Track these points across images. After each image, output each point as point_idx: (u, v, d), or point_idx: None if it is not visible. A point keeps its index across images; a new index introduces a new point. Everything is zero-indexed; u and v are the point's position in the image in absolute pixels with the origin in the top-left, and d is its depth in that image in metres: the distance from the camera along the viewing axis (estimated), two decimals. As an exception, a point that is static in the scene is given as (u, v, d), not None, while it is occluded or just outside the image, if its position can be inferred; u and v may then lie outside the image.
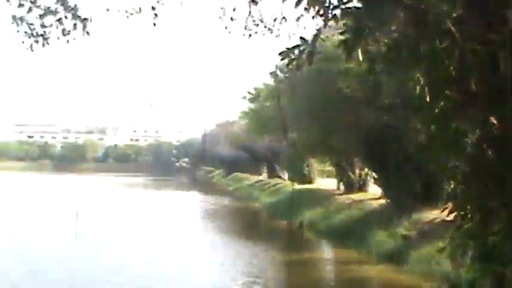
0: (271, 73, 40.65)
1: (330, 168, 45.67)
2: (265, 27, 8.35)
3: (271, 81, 44.95)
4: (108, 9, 6.83)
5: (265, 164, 68.73)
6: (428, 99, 5.15)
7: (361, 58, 5.51)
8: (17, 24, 6.70)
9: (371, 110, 25.74)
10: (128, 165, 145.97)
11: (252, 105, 55.61)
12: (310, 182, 48.59)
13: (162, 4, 7.31)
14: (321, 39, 6.19)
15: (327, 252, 28.48)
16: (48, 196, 56.96)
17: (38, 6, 6.72)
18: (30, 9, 6.72)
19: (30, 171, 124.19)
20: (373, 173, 33.71)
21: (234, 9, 7.87)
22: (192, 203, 54.96)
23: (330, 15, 8.26)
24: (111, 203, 50.45)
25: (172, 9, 7.27)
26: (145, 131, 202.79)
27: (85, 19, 6.72)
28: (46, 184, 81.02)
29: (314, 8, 8.44)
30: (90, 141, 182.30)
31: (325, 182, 47.86)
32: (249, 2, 8.09)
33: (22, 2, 6.66)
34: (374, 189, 34.39)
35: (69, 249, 25.52)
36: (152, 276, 20.50)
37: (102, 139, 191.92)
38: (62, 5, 6.74)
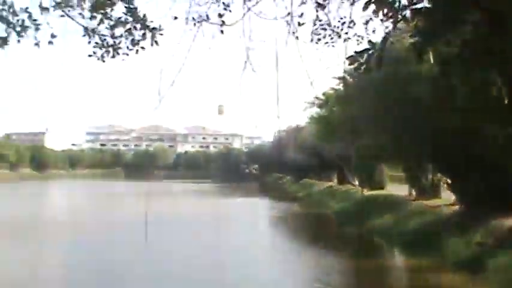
0: (339, 78, 40.23)
1: (401, 173, 44.63)
2: (333, 31, 8.23)
3: (339, 86, 44.50)
4: (176, 18, 6.87)
5: (334, 169, 68.03)
6: (506, 101, 4.91)
7: (432, 60, 5.33)
8: (89, 36, 6.86)
9: (444, 113, 25.00)
10: (197, 172, 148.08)
11: (321, 111, 55.19)
12: (381, 188, 47.73)
13: (230, 11, 7.31)
14: (391, 42, 6.02)
15: (399, 259, 27.85)
16: (119, 202, 58.51)
17: (108, 18, 6.85)
18: (101, 21, 6.86)
19: (102, 178, 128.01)
20: (447, 178, 32.75)
21: (301, 14, 7.79)
22: (261, 209, 55.13)
23: (400, 17, 8.07)
24: (180, 208, 51.21)
25: (238, 16, 7.24)
26: (215, 138, 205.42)
27: (154, 28, 6.81)
28: (117, 191, 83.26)
29: (383, 10, 8.27)
30: (161, 148, 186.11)
31: (396, 188, 46.90)
32: (316, 7, 8.00)
33: (94, 15, 6.80)
34: (447, 195, 33.37)
35: (138, 253, 25.92)
36: (223, 282, 20.58)
37: (172, 146, 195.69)
38: (131, 15, 6.85)
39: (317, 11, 8.09)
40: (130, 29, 6.86)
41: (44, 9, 6.61)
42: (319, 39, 8.27)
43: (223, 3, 7.25)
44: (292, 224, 43.23)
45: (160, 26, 6.82)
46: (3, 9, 6.46)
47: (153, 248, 27.30)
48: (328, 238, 34.66)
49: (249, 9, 7.29)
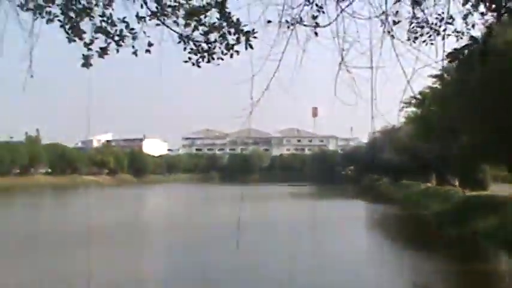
0: (436, 76, 38.94)
1: (506, 173, 42.63)
2: (430, 28, 7.91)
3: (437, 85, 43.10)
4: (269, 21, 6.81)
5: (432, 170, 66.05)
6: None
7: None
8: (184, 42, 6.96)
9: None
10: (293, 175, 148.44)
11: (418, 110, 53.74)
12: (484, 189, 45.79)
13: (323, 13, 7.17)
14: (493, 35, 5.66)
15: (505, 263, 26.53)
16: (213, 206, 59.55)
17: (202, 24, 6.91)
18: (195, 28, 6.94)
19: (198, 182, 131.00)
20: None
21: (396, 13, 7.51)
22: (357, 211, 54.35)
23: (504, 10, 7.63)
24: (276, 211, 51.41)
25: (332, 17, 7.10)
26: (309, 141, 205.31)
27: (247, 32, 6.79)
28: (212, 195, 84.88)
29: (484, 3, 7.85)
30: (256, 152, 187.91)
31: (500, 188, 44.78)
32: (412, 4, 7.70)
33: (188, 22, 6.89)
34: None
35: (230, 259, 25.78)
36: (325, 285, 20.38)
37: (267, 150, 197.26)
38: (225, 21, 6.88)
39: (413, 8, 7.79)
40: (224, 34, 6.90)
41: (140, 18, 6.76)
42: (416, 38, 7.96)
43: (316, 4, 7.14)
44: (390, 226, 42.35)
45: (253, 29, 6.80)
46: (102, 21, 6.68)
47: (246, 254, 27.34)
48: (428, 240, 33.64)
49: (342, 10, 7.13)
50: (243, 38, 6.84)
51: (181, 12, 6.94)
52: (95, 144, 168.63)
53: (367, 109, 7.30)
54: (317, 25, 7.12)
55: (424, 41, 7.97)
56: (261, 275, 22.09)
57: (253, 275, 22.30)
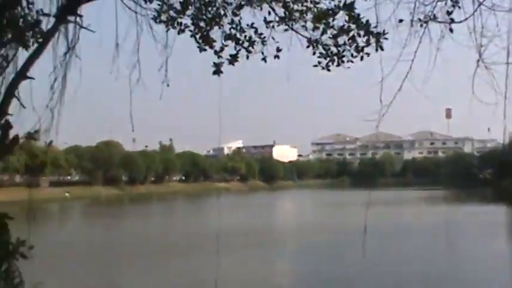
0: None
1: None
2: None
3: None
4: (401, 20, 6.53)
5: None
6: None
7: None
8: (313, 47, 6.86)
9: None
10: (426, 179, 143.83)
11: None
12: None
13: (459, 7, 6.75)
14: None
15: None
16: (343, 212, 58.92)
17: (331, 27, 6.78)
18: (324, 31, 6.82)
19: (329, 188, 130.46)
20: None
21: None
22: (498, 217, 51.29)
23: None
24: (408, 217, 49.79)
25: (468, 11, 6.67)
26: (443, 143, 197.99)
27: (378, 34, 6.56)
28: (343, 200, 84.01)
29: None
30: (387, 156, 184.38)
31: None
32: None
33: (317, 25, 6.79)
34: None
35: (356, 269, 25.20)
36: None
37: (399, 153, 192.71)
38: (354, 23, 6.70)
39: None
40: (353, 36, 6.70)
41: (268, 23, 6.77)
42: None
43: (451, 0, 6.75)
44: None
45: (384, 30, 6.55)
46: (231, 28, 6.77)
47: (375, 259, 26.61)
48: None
49: (480, 3, 6.67)
50: (373, 40, 6.61)
51: (309, 16, 6.85)
52: (226, 151, 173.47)
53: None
54: (452, 21, 6.73)
55: None
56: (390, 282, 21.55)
57: (381, 279, 21.84)
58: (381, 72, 6.54)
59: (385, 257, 27.35)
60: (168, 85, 7.02)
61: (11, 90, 5.98)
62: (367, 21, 6.59)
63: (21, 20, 6.29)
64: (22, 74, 6.04)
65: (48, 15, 6.29)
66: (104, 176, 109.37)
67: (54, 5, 6.32)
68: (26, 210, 18.63)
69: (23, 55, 6.25)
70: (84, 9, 6.46)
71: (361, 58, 6.68)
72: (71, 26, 6.48)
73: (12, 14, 6.27)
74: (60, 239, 36.85)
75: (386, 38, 6.54)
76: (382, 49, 6.55)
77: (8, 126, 5.89)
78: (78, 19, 6.44)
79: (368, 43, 6.60)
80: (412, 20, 6.68)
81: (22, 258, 6.00)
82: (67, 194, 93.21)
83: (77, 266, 26.59)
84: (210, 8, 6.85)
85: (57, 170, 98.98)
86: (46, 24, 6.30)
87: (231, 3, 6.83)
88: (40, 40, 6.20)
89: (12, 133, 6.01)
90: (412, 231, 39.06)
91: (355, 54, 6.66)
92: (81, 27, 6.46)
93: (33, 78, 6.12)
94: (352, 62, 6.75)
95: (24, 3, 6.28)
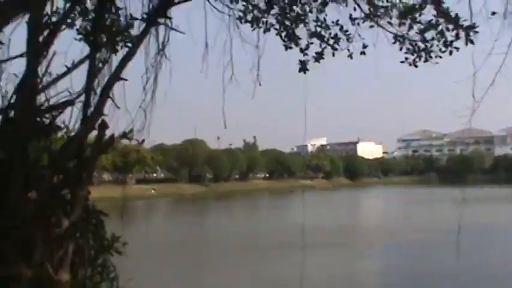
0: None
1: None
2: None
3: None
4: (493, 13, 6.28)
5: None
6: None
7: None
8: (399, 42, 6.77)
9: None
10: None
11: None
12: None
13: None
14: None
15: None
16: (432, 210, 57.38)
17: (418, 22, 6.65)
18: (411, 27, 6.71)
19: (415, 184, 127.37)
20: None
21: None
22: None
23: None
24: (500, 217, 47.75)
25: None
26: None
27: (468, 27, 6.34)
28: (431, 197, 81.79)
29: None
30: (477, 152, 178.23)
31: None
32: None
33: (403, 21, 6.69)
34: None
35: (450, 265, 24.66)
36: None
37: (490, 149, 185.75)
38: (442, 17, 6.53)
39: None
40: (442, 30, 6.53)
41: (353, 19, 6.74)
42: None
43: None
44: None
45: (474, 24, 6.33)
46: (317, 25, 6.79)
47: (469, 259, 25.72)
48: None
49: None
50: (462, 34, 6.41)
51: (395, 12, 6.75)
52: (310, 149, 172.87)
53: None
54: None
55: None
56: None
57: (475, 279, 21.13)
58: (473, 66, 6.32)
59: (480, 260, 26.28)
60: (260, 84, 7.13)
61: (106, 91, 6.25)
62: (457, 14, 6.40)
63: (113, 24, 6.56)
64: (116, 76, 6.29)
65: (136, 19, 6.53)
66: (189, 173, 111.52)
67: (145, 9, 6.55)
68: (118, 208, 19.26)
69: (116, 57, 6.50)
70: (173, 11, 6.65)
71: (450, 53, 6.52)
72: (161, 29, 6.69)
73: (106, 19, 6.55)
74: (149, 235, 37.87)
75: (476, 32, 6.33)
76: (472, 43, 6.35)
77: (105, 126, 6.16)
78: (167, 21, 6.64)
79: (457, 37, 6.42)
80: (505, 12, 6.44)
81: (117, 254, 6.26)
82: (153, 191, 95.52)
83: (165, 263, 26.88)
84: (294, 6, 6.90)
85: (143, 168, 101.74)
86: (138, 27, 6.53)
87: (316, 1, 6.85)
88: (129, 44, 6.44)
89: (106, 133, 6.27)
90: (508, 231, 37.35)
91: (443, 49, 6.51)
92: (172, 28, 6.65)
93: (126, 80, 6.35)
94: (440, 57, 6.60)
95: (113, 10, 6.54)
